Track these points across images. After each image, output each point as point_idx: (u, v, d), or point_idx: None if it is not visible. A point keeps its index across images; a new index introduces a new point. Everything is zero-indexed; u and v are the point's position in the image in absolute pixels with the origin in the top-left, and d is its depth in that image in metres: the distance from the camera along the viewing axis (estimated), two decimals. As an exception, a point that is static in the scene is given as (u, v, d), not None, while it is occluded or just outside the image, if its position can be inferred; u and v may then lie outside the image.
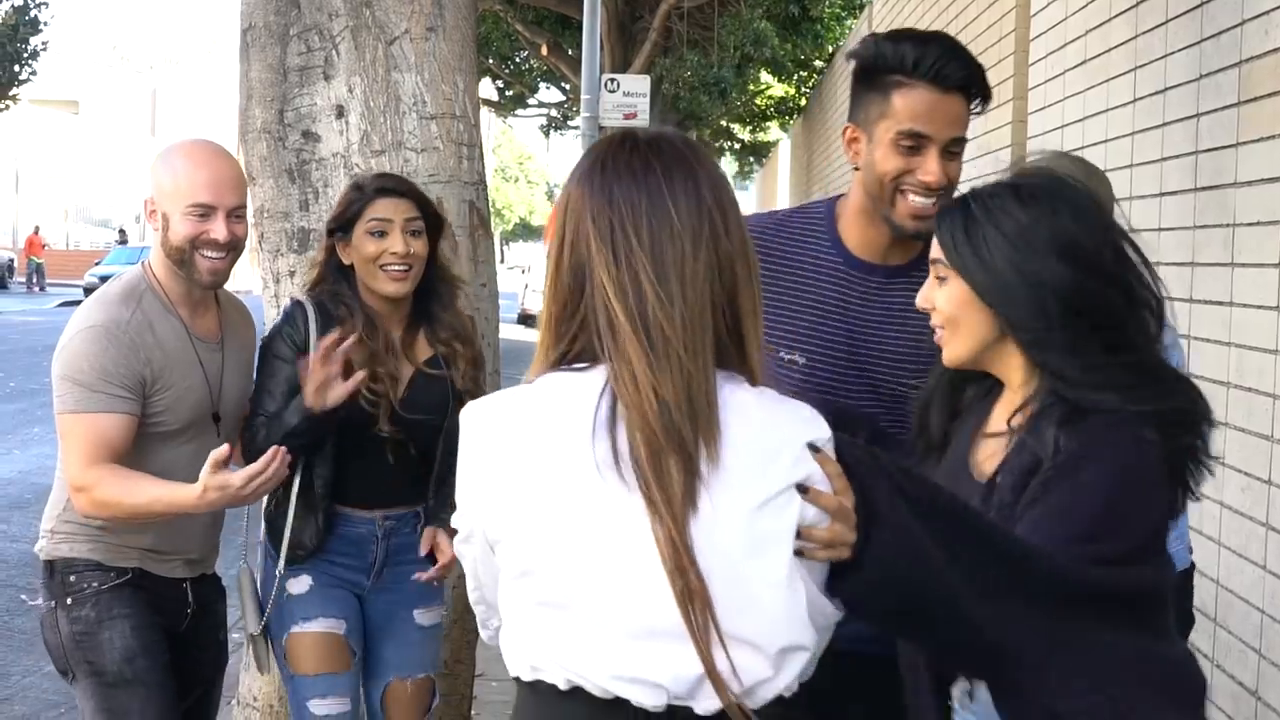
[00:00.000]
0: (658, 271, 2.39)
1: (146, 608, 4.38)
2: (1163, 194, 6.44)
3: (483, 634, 2.71)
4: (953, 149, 3.47)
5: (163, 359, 4.29)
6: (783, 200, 37.45)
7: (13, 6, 40.84)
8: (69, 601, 4.34)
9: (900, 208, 3.48)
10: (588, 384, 2.40)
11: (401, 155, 5.40)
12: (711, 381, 2.38)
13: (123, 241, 61.83)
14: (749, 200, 71.16)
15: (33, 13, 41.25)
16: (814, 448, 2.39)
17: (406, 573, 4.62)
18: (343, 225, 4.52)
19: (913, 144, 3.43)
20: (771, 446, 2.39)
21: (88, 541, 4.36)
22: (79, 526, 4.35)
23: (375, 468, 4.55)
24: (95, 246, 70.31)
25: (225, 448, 4.04)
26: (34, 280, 56.09)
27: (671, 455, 2.33)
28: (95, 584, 4.34)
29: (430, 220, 4.56)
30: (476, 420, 2.49)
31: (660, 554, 2.32)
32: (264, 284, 5.61)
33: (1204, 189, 5.98)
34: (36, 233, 58.30)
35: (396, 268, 4.45)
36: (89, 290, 49.56)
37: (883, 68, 3.45)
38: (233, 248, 4.35)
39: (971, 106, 3.48)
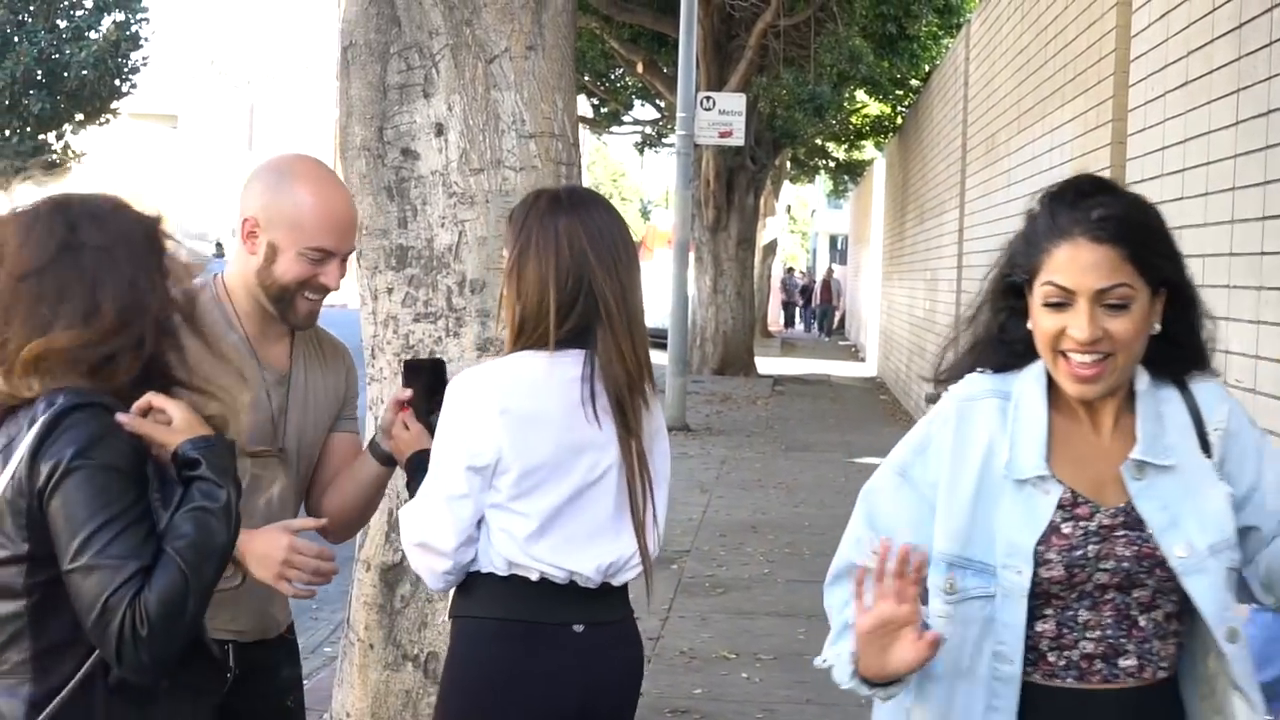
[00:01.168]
0: (629, 278, 3.72)
1: None
2: (1265, 218, 6.38)
3: (435, 581, 3.73)
4: None
5: None
6: (877, 219, 37.31)
7: (114, 22, 41.24)
8: None
9: None
10: (571, 359, 3.67)
11: (500, 174, 5.44)
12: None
13: (220, 255, 62.35)
14: (843, 219, 70.84)
15: (134, 28, 41.68)
16: None
17: None
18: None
19: None
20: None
21: None
22: None
23: None
24: (192, 259, 70.80)
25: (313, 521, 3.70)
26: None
27: (637, 397, 3.72)
28: None
29: None
30: (484, 382, 3.66)
31: (626, 462, 3.71)
32: (362, 300, 5.66)
33: (1308, 213, 5.93)
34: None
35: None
36: (185, 303, 49.97)
37: None
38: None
39: None
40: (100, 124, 42.63)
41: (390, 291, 5.54)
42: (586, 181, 5.52)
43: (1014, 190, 13.41)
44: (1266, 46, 6.44)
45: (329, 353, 4.22)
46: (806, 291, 64.06)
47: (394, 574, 5.60)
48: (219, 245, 66.06)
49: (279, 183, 3.87)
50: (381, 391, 5.54)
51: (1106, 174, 9.41)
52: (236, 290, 3.94)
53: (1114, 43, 9.57)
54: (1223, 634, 2.92)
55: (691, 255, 24.61)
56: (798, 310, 65.90)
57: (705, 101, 22.33)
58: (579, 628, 3.70)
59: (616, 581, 3.76)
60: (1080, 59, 10.67)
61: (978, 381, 3.11)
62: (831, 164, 48.04)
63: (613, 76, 34.29)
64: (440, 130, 5.47)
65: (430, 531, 3.65)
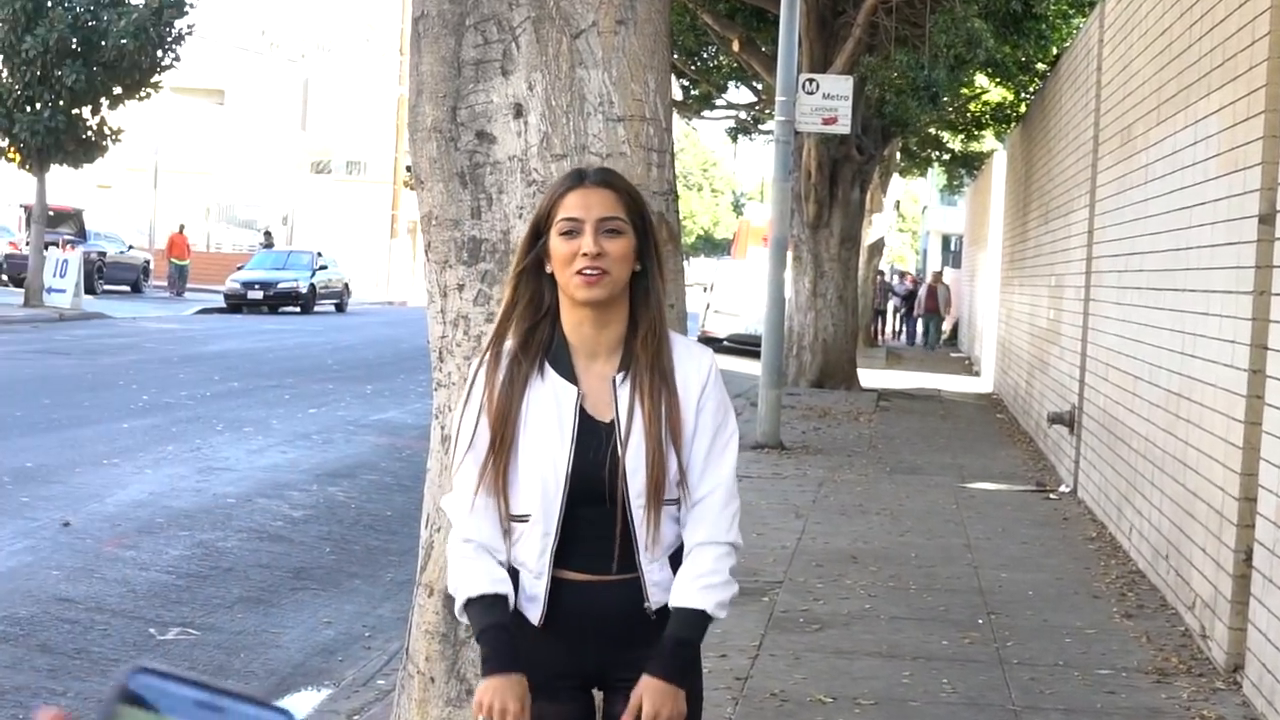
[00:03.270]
0: None
1: None
2: None
3: None
4: None
5: None
6: (996, 217, 37.08)
7: (157, -13, 41.51)
8: None
9: None
10: None
11: (584, 160, 5.42)
12: None
13: (268, 245, 62.62)
14: (958, 216, 70.43)
15: (179, -6, 41.93)
16: None
17: None
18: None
19: None
20: None
21: None
22: None
23: None
24: (238, 249, 71.29)
25: None
26: (174, 284, 57.02)
27: None
28: None
29: None
30: None
31: None
32: (429, 298, 5.67)
33: None
34: (181, 231, 59.12)
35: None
36: (229, 298, 50.35)
37: None
38: None
39: None
40: (140, 98, 42.96)
41: (461, 288, 5.56)
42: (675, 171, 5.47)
43: (1151, 188, 13.30)
44: None
45: None
46: (911, 298, 61.88)
47: (459, 600, 5.61)
48: (268, 234, 66.39)
49: None
50: (449, 398, 5.56)
51: (1257, 171, 9.32)
52: None
53: (1268, 24, 9.47)
54: None
55: (790, 254, 24.58)
56: (896, 318, 64.54)
57: (808, 84, 22.26)
58: None
59: None
60: (1230, 42, 10.59)
61: None
62: (946, 155, 47.87)
63: (705, 55, 34.29)
64: (519, 111, 5.48)
65: None
